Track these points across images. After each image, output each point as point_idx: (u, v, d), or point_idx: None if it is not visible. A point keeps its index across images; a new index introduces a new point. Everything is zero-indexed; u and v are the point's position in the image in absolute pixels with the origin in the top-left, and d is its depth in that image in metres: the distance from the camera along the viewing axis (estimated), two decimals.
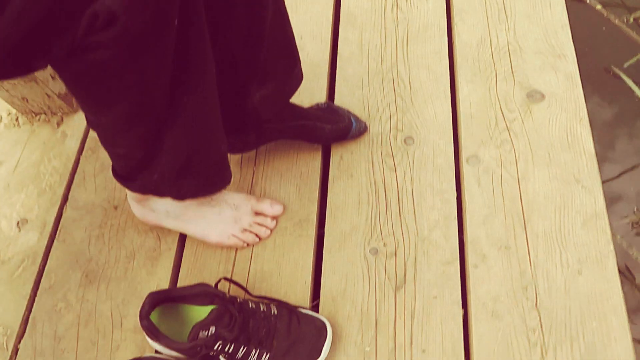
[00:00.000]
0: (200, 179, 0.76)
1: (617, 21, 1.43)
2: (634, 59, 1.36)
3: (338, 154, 0.94)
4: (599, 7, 1.46)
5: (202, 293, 0.73)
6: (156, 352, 0.77)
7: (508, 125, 0.95)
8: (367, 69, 1.03)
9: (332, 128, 0.91)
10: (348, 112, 0.94)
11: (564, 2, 1.08)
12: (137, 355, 0.77)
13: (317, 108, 0.94)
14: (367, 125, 0.95)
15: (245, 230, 0.85)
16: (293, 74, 0.81)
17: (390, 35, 1.07)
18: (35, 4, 0.44)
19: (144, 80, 0.57)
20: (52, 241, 0.88)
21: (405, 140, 0.95)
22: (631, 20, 1.43)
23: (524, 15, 1.07)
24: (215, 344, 0.70)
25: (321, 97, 1.01)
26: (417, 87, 1.00)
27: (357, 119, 0.94)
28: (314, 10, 1.12)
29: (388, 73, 1.02)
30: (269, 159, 0.95)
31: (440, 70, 1.02)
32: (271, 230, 0.87)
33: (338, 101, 1.00)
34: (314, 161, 0.94)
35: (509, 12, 1.08)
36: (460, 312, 0.79)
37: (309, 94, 1.01)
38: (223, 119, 0.72)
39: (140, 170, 0.70)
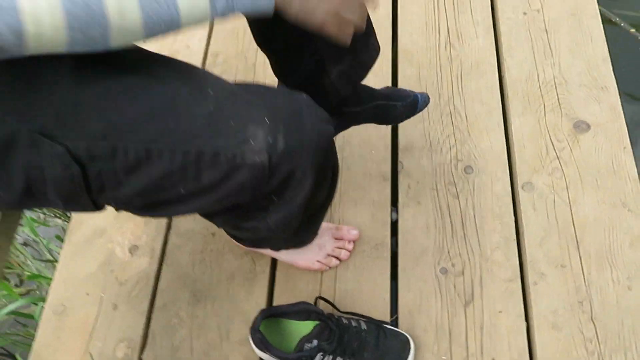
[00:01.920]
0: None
1: None
2: None
3: (405, 183, 1.06)
4: (632, 30, 1.55)
5: (303, 310, 0.86)
6: None
7: (558, 154, 1.05)
8: None
9: (402, 105, 0.95)
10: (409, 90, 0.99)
11: (604, 36, 1.19)
12: None
13: (383, 88, 0.98)
14: (428, 95, 0.99)
15: (328, 255, 0.98)
16: (369, 44, 0.81)
17: (446, 72, 1.18)
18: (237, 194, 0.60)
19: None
20: (161, 265, 1.01)
21: (465, 169, 1.06)
22: None
23: (567, 50, 1.18)
24: (317, 355, 0.82)
25: (386, 131, 1.12)
26: (472, 120, 1.12)
27: (420, 92, 0.98)
28: None
29: (446, 107, 1.14)
30: (341, 189, 1.07)
31: (493, 103, 1.13)
32: (350, 252, 0.99)
33: (402, 134, 1.12)
34: (384, 189, 1.06)
35: (553, 47, 1.18)
36: (524, 324, 0.90)
37: (374, 127, 1.12)
38: None
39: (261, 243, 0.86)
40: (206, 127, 0.56)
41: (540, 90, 1.13)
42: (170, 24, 0.50)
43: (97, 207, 0.62)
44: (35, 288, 1.30)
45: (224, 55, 1.27)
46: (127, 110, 0.55)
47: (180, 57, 1.21)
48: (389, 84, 1.18)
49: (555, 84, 1.14)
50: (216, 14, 0.52)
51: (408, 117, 0.98)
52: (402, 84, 1.18)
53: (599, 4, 1.24)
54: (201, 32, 1.31)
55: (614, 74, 1.15)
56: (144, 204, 0.62)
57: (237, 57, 1.26)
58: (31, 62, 0.50)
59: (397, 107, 0.95)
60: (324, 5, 0.59)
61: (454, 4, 1.27)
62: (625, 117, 1.09)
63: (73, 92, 0.55)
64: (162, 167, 0.56)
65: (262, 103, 0.58)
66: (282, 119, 0.57)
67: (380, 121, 0.98)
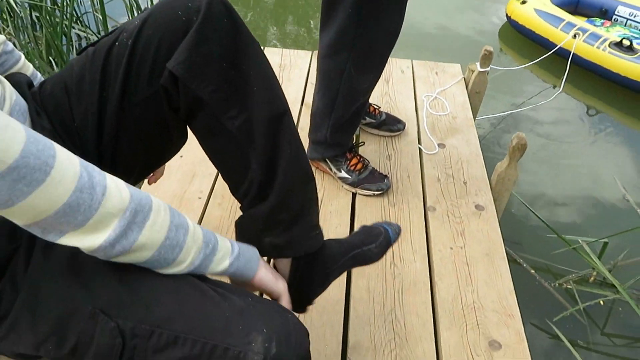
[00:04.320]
0: None
1: (545, 284, 1.90)
2: (560, 316, 1.80)
3: None
4: (532, 271, 1.95)
5: None
6: None
7: None
8: (373, 310, 1.39)
9: (377, 246, 1.05)
10: (378, 223, 1.11)
11: (510, 274, 1.52)
12: None
13: (357, 233, 1.10)
14: (399, 225, 1.12)
15: None
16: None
17: (390, 286, 1.46)
18: None
19: None
20: None
21: None
22: (557, 285, 1.91)
23: (483, 281, 1.50)
24: None
25: (339, 330, 1.33)
26: (410, 329, 1.36)
27: (388, 224, 1.10)
28: None
29: (389, 315, 1.38)
30: None
31: (426, 317, 1.39)
32: None
33: (352, 334, 1.33)
34: None
35: (473, 277, 1.50)
36: None
37: (329, 327, 1.33)
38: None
39: None
40: (223, 328, 0.73)
41: (463, 311, 1.41)
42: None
43: None
44: None
45: None
46: (168, 306, 0.74)
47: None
48: (344, 290, 1.43)
49: (474, 307, 1.42)
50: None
51: (385, 252, 1.08)
52: (354, 291, 1.43)
53: (507, 247, 1.61)
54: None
55: (519, 305, 1.46)
56: None
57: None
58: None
59: (372, 250, 1.05)
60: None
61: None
62: (528, 341, 1.37)
63: (133, 285, 0.74)
64: (183, 351, 0.71)
65: (262, 316, 0.76)
66: (275, 331, 0.74)
67: (360, 265, 1.07)
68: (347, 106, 1.62)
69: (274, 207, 0.90)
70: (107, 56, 0.85)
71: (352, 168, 1.73)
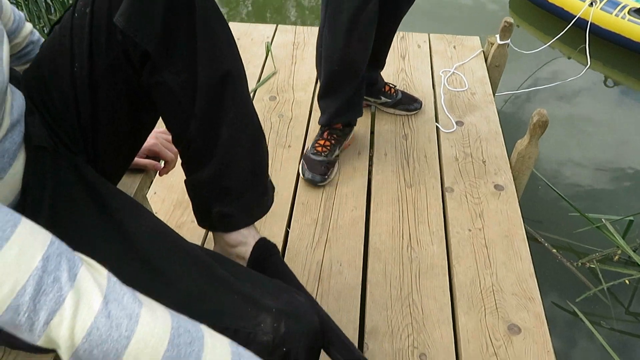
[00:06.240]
0: None
1: (567, 263, 1.86)
2: (583, 296, 1.76)
3: None
4: (554, 250, 1.91)
5: None
6: None
7: (495, 350, 1.27)
8: (390, 294, 1.38)
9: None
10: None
11: (530, 256, 1.49)
12: None
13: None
14: None
15: None
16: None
17: (407, 269, 1.44)
18: None
19: None
20: None
21: (419, 356, 1.25)
22: (579, 264, 1.86)
23: (502, 263, 1.47)
24: None
25: (355, 316, 1.32)
26: (427, 313, 1.34)
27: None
28: (349, 244, 1.50)
29: (406, 299, 1.37)
30: None
31: (444, 301, 1.37)
32: None
33: (368, 319, 1.32)
34: None
35: (492, 260, 1.47)
36: None
37: (345, 312, 1.33)
38: None
39: None
40: (232, 310, 0.74)
41: (482, 295, 1.39)
42: None
43: None
44: None
45: None
46: (179, 288, 0.75)
47: (185, 229, 1.44)
48: (360, 274, 1.42)
49: (493, 290, 1.40)
50: None
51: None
52: (371, 275, 1.42)
53: (528, 226, 1.58)
54: None
55: (539, 286, 1.43)
56: None
57: None
58: None
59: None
60: None
61: (415, 216, 1.58)
62: (549, 322, 1.35)
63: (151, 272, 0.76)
64: None
65: (271, 297, 0.77)
66: (285, 310, 0.75)
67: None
68: (325, 72, 1.60)
69: (215, 173, 0.88)
70: (71, 30, 0.82)
71: (320, 149, 1.68)
